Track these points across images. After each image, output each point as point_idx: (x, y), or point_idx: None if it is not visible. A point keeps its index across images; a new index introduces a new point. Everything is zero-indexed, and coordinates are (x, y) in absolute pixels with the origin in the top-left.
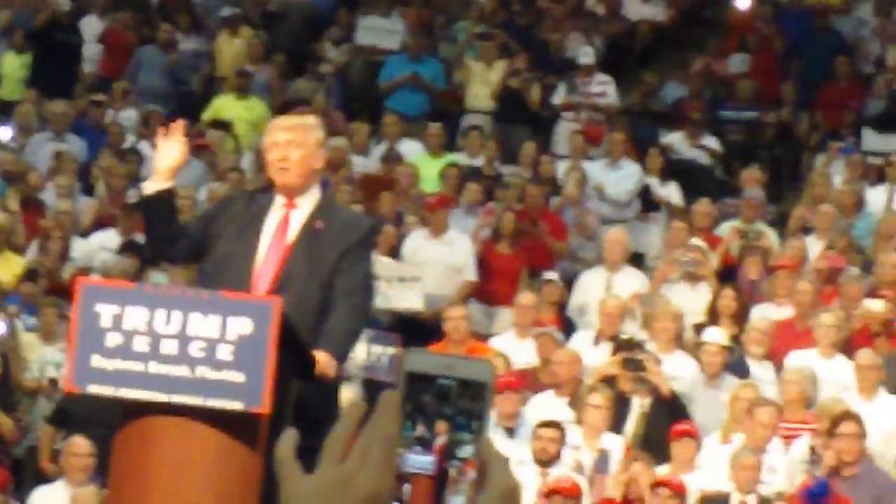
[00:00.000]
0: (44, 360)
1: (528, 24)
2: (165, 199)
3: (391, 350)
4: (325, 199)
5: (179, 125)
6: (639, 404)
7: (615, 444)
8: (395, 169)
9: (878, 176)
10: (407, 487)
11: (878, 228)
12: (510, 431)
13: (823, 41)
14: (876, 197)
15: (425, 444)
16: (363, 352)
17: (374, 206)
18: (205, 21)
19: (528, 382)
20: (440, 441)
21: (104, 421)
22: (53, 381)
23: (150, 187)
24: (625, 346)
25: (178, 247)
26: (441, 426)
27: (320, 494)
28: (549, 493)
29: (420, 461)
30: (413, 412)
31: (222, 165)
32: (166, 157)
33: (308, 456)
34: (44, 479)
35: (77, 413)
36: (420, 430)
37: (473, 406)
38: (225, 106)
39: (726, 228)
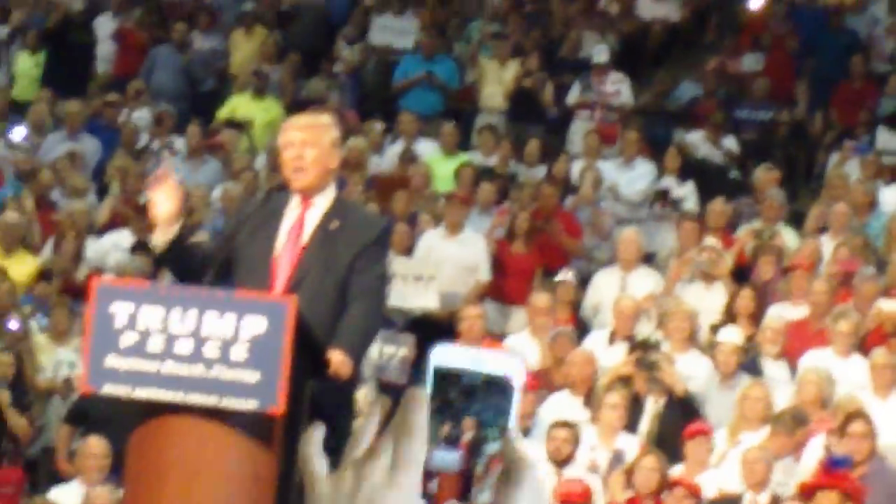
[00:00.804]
0: (57, 360)
1: (541, 24)
2: (177, 246)
3: (403, 351)
4: (340, 198)
5: (166, 173)
6: (653, 404)
7: (631, 444)
8: (408, 168)
9: (893, 175)
10: (433, 483)
11: (891, 228)
12: (525, 431)
13: (837, 40)
14: (890, 196)
15: (452, 441)
16: (376, 352)
17: (389, 206)
18: (218, 20)
19: (543, 382)
20: (466, 437)
21: (121, 421)
22: (68, 381)
23: (158, 241)
24: (640, 347)
25: (207, 275)
26: (468, 423)
27: (345, 492)
28: (561, 501)
29: (446, 457)
30: (440, 408)
31: (237, 165)
32: (162, 206)
33: (325, 455)
34: (59, 479)
35: (94, 413)
36: (447, 426)
37: (499, 402)
38: (240, 106)
39: (744, 229)
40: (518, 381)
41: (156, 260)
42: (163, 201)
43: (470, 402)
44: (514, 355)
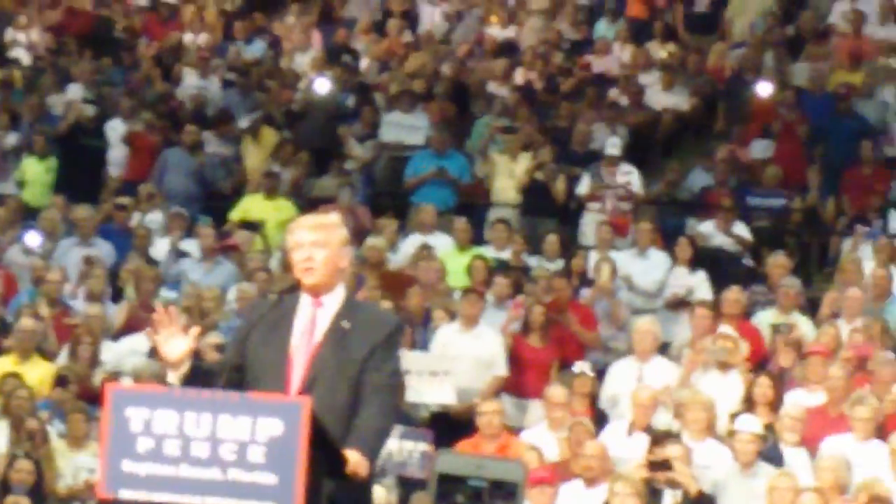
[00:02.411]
0: (76, 465)
1: (550, 116)
2: (193, 377)
3: (423, 446)
4: (350, 297)
5: (172, 312)
6: (671, 496)
7: None
8: (419, 264)
9: None
10: None
11: None
12: None
13: (847, 125)
14: None
15: None
16: (395, 448)
17: (402, 302)
18: (230, 121)
19: (561, 474)
20: None
21: None
22: (88, 485)
23: (173, 380)
24: (660, 437)
25: (227, 386)
26: None
27: None
28: None
29: None
30: None
31: (251, 266)
32: (171, 347)
33: None
34: None
35: None
36: None
37: None
38: (253, 206)
39: (760, 318)
40: (523, 484)
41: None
42: (170, 341)
43: None
44: (517, 460)
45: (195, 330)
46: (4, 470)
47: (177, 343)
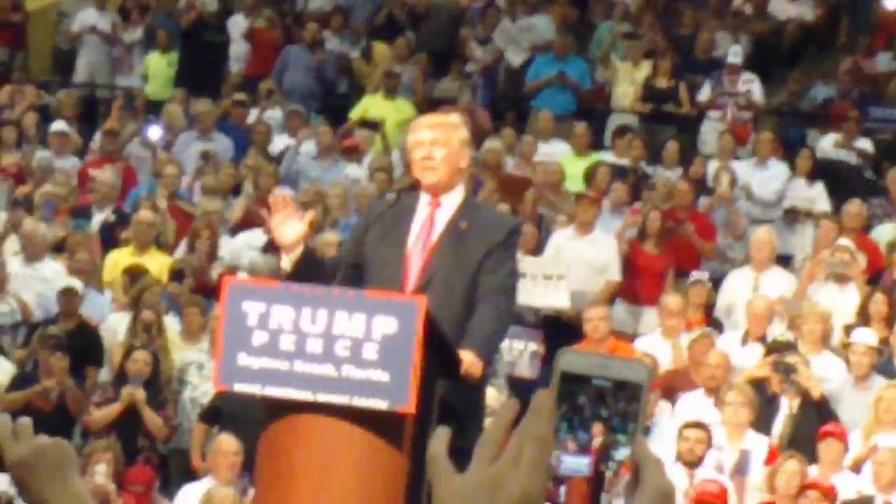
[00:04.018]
0: (185, 360)
1: (673, 24)
2: (305, 264)
3: (533, 346)
4: (469, 197)
5: (288, 199)
6: (787, 405)
7: (759, 444)
8: (538, 168)
9: None
10: (563, 489)
11: None
12: (645, 431)
13: None
14: None
15: (581, 446)
16: (505, 348)
17: (518, 205)
18: (350, 21)
19: (676, 383)
20: (596, 443)
21: (255, 419)
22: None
23: (286, 263)
24: (777, 348)
25: (336, 277)
26: (597, 428)
27: (472, 494)
28: (696, 502)
29: (575, 463)
30: (568, 413)
31: (370, 165)
32: (286, 233)
33: (453, 455)
34: (194, 476)
35: (227, 411)
36: (576, 431)
37: (629, 407)
38: (373, 106)
39: (879, 231)
40: (648, 386)
41: (285, 280)
42: (284, 227)
43: (599, 407)
44: (641, 361)
45: (309, 214)
46: (122, 360)
47: (291, 226)
